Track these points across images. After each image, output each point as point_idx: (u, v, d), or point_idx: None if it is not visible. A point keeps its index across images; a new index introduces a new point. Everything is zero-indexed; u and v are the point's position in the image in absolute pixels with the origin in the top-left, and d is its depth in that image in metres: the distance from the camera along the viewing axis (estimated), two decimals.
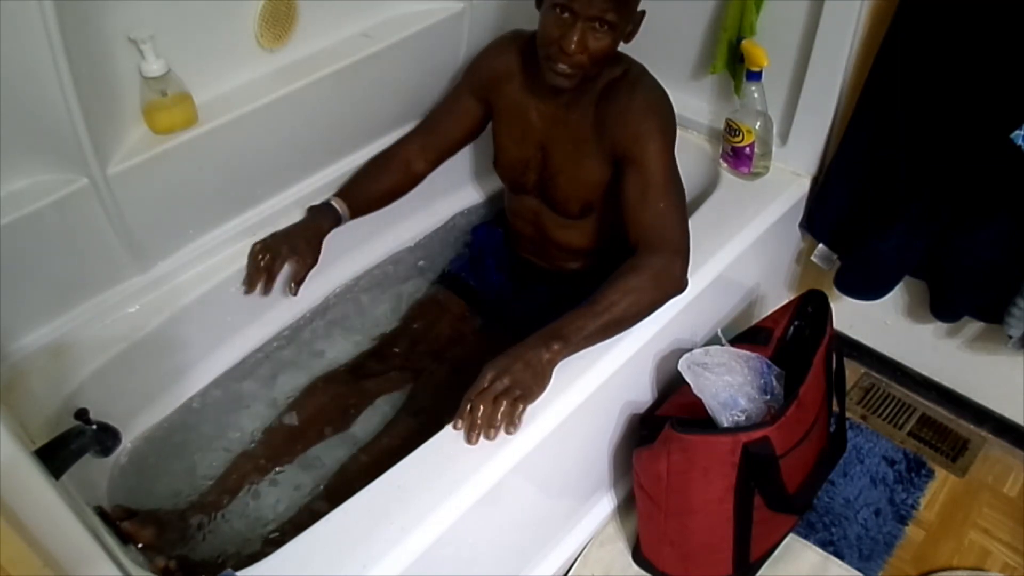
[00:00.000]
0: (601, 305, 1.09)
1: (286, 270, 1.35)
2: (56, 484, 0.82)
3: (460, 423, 1.02)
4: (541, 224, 1.43)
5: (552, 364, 1.06)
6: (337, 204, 1.40)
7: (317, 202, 1.43)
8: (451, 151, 1.49)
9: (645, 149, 1.19)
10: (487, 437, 1.01)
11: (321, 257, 1.58)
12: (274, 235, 1.37)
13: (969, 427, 1.58)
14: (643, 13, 1.20)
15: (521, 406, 1.02)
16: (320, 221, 1.39)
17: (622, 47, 1.22)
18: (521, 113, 1.34)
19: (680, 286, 1.17)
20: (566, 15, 1.12)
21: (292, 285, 1.36)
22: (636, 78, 1.24)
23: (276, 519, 1.27)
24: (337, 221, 1.40)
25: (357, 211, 1.43)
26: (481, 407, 1.01)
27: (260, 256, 1.34)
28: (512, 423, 1.02)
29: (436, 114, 1.48)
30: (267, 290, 1.34)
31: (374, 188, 1.46)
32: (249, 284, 1.34)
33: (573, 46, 1.12)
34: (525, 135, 1.35)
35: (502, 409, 1.01)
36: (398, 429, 1.36)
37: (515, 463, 1.03)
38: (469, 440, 1.01)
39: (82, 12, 1.09)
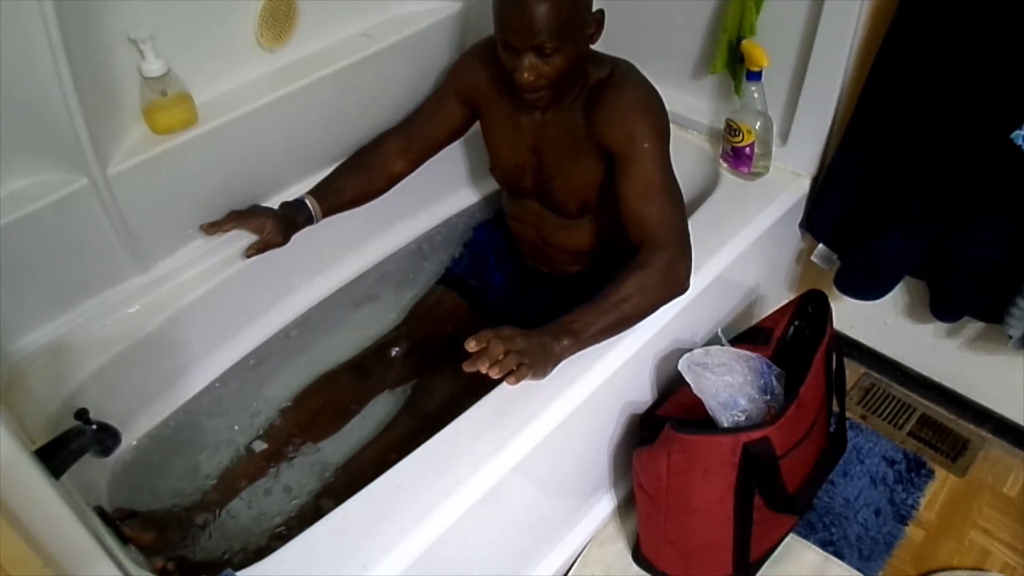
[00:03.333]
0: (611, 301, 1.09)
1: (255, 250, 1.35)
2: (56, 484, 0.82)
3: (473, 344, 1.00)
4: (541, 227, 1.43)
5: (560, 359, 1.07)
6: (310, 203, 1.39)
7: (291, 199, 1.42)
8: (432, 152, 1.48)
9: (640, 148, 1.18)
10: (490, 374, 0.99)
11: (322, 255, 1.58)
12: (252, 205, 1.38)
13: (969, 427, 1.58)
14: (601, 12, 1.19)
15: (526, 372, 1.01)
16: (294, 216, 1.38)
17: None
18: (511, 120, 1.34)
19: (684, 286, 1.17)
20: (509, 50, 1.13)
21: (250, 250, 1.35)
22: (623, 77, 1.23)
23: (280, 515, 1.28)
24: (309, 220, 1.39)
25: (329, 211, 1.42)
26: (501, 347, 0.99)
27: (236, 215, 1.35)
28: (515, 375, 1.00)
29: (419, 115, 1.46)
30: (216, 230, 1.33)
31: (350, 188, 1.44)
32: (207, 229, 1.34)
33: (525, 75, 1.13)
34: (517, 141, 1.35)
35: (509, 361, 1.00)
36: (398, 429, 1.36)
37: (515, 463, 1.03)
38: (475, 365, 0.99)
39: (82, 12, 1.09)
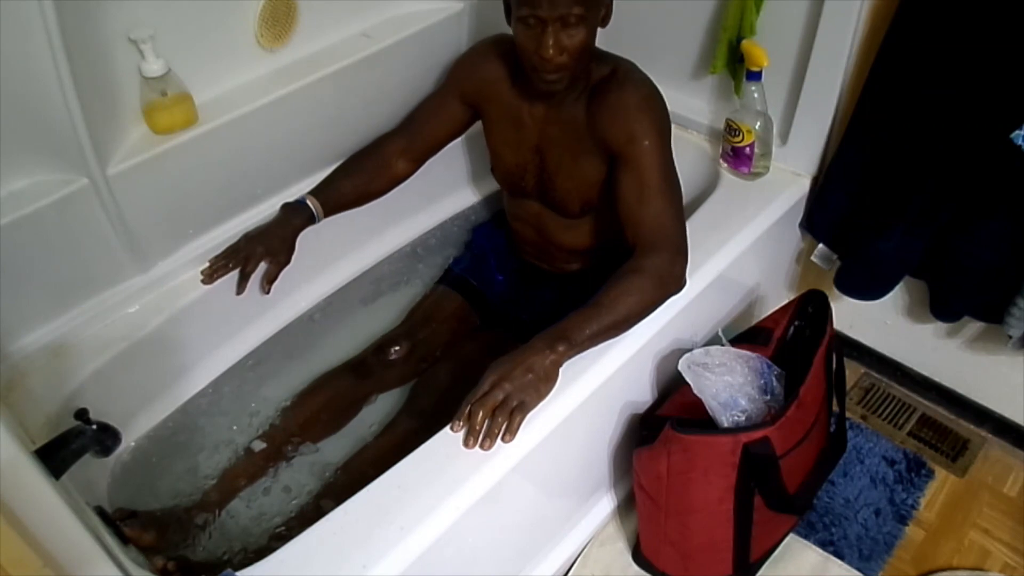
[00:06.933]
0: (604, 306, 1.09)
1: (261, 268, 1.36)
2: (56, 484, 0.82)
3: (458, 426, 1.02)
4: (542, 226, 1.43)
5: (557, 365, 1.06)
6: (311, 203, 1.39)
7: (291, 200, 1.42)
8: (433, 152, 1.48)
9: (639, 148, 1.18)
10: (482, 447, 1.01)
11: (322, 255, 1.58)
12: (248, 236, 1.38)
13: (969, 427, 1.58)
14: None
15: (519, 417, 1.02)
16: (294, 220, 1.38)
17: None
18: (513, 118, 1.34)
19: (680, 285, 1.17)
20: (533, 23, 1.12)
21: (265, 284, 1.38)
22: (625, 75, 1.23)
23: (281, 515, 1.28)
24: (311, 219, 1.39)
25: (331, 210, 1.42)
26: (480, 413, 1.01)
27: (237, 256, 1.36)
28: (510, 431, 1.02)
29: (420, 115, 1.46)
30: (240, 290, 1.36)
31: (351, 188, 1.44)
32: (208, 277, 1.35)
33: (550, 51, 1.12)
34: (520, 140, 1.35)
35: (499, 420, 1.01)
36: (398, 429, 1.37)
37: (515, 463, 1.03)
38: (466, 444, 1.01)
39: (82, 12, 1.09)
